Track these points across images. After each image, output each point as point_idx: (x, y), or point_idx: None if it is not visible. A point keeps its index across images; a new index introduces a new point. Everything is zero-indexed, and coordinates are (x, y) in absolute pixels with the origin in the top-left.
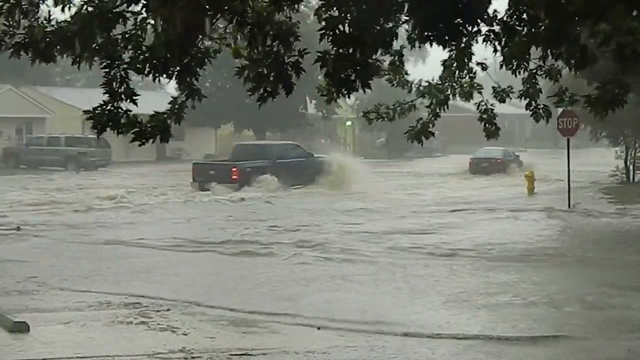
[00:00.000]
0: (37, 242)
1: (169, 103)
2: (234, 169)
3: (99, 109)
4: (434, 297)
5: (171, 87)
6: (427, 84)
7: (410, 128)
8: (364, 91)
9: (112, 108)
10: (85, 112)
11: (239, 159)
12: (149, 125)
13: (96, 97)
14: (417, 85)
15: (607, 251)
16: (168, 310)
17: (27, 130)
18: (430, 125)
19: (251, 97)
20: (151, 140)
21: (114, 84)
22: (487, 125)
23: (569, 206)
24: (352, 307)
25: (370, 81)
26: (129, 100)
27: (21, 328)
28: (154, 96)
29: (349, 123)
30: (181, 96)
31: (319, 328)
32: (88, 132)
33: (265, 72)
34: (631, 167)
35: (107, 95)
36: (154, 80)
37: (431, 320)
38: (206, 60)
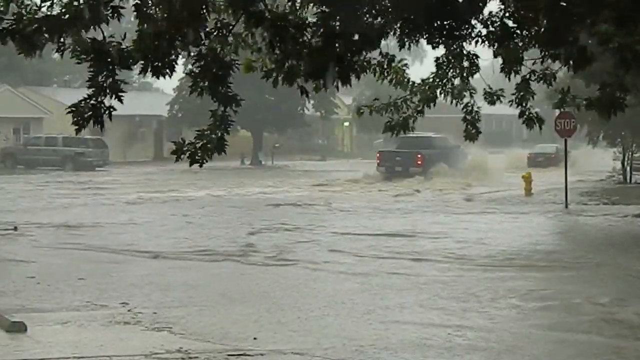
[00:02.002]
0: (34, 242)
1: (210, 117)
2: (418, 155)
3: (82, 103)
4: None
5: (169, 87)
6: (420, 82)
7: (390, 120)
8: (339, 87)
9: (95, 103)
10: (70, 106)
11: (404, 149)
12: (198, 145)
13: None
14: (411, 83)
15: (600, 254)
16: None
17: (25, 131)
18: (412, 121)
19: (250, 98)
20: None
21: (100, 77)
22: (468, 127)
23: (566, 207)
24: None
25: (349, 77)
26: (114, 96)
27: (18, 328)
28: (150, 97)
29: (346, 124)
30: (219, 107)
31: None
32: (85, 133)
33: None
34: (628, 169)
35: (91, 89)
36: (144, 74)
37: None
38: (233, 68)
